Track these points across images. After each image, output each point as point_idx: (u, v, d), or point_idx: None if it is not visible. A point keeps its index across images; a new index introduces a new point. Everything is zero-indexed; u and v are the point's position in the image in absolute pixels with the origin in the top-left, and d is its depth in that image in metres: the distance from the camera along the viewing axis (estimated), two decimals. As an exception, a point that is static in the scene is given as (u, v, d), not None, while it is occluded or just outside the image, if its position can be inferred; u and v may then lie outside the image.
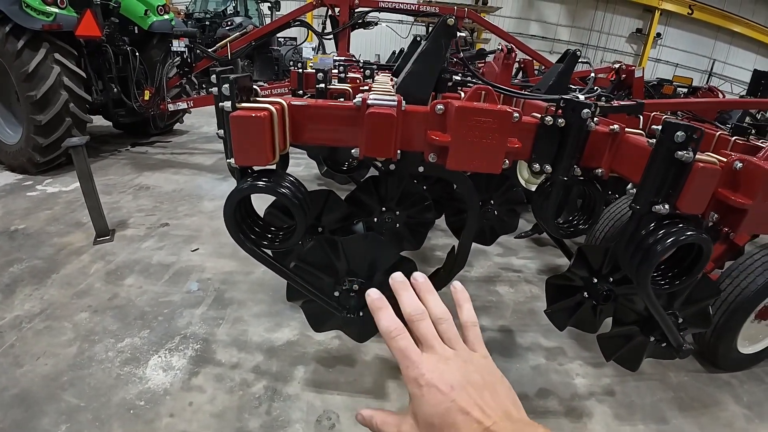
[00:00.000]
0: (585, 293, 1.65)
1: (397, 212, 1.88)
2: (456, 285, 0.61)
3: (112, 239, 3.26)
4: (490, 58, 4.45)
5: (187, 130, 6.92)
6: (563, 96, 1.50)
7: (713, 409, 2.12)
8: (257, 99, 1.19)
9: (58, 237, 3.26)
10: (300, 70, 2.70)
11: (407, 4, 4.65)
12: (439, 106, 1.21)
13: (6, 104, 4.79)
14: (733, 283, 2.16)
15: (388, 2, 4.51)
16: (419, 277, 0.59)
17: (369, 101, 1.17)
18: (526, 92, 1.90)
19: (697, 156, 1.15)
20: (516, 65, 4.74)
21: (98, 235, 3.24)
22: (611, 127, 1.37)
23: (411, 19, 4.99)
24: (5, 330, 2.24)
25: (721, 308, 2.17)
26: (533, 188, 2.35)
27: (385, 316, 0.54)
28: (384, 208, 1.89)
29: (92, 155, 5.37)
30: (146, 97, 5.16)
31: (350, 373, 2.06)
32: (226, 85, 1.12)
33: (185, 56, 4.98)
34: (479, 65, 4.42)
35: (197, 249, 3.15)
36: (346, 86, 1.83)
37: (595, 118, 1.38)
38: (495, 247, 3.03)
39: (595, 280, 1.62)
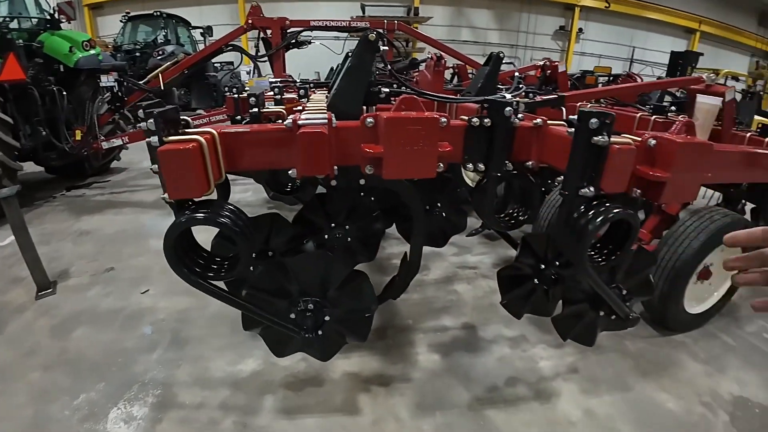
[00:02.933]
0: (535, 280, 1.73)
1: (347, 227, 1.89)
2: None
3: (54, 292, 3.04)
4: (422, 66, 4.58)
5: (125, 167, 6.58)
6: (487, 97, 1.58)
7: (673, 369, 2.26)
8: (186, 131, 1.17)
9: (-4, 296, 3.02)
10: (236, 96, 2.66)
11: (338, 21, 4.71)
12: (369, 120, 1.24)
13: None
14: (670, 249, 2.33)
15: (319, 20, 4.55)
16: None
17: (300, 121, 1.19)
18: (451, 96, 1.97)
19: (612, 139, 1.25)
20: (450, 70, 4.91)
21: (39, 290, 3.02)
22: (534, 121, 1.45)
23: (346, 35, 5.04)
24: (-42, 398, 2.06)
25: (663, 274, 2.33)
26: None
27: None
28: (333, 224, 1.89)
29: (26, 204, 5.00)
30: (77, 137, 4.90)
31: (320, 393, 2.03)
32: (151, 120, 1.09)
33: (115, 90, 4.77)
34: (414, 74, 4.54)
35: (147, 290, 3.00)
36: (280, 108, 1.83)
37: (520, 114, 1.46)
38: (449, 247, 3.09)
39: (543, 267, 1.70)
